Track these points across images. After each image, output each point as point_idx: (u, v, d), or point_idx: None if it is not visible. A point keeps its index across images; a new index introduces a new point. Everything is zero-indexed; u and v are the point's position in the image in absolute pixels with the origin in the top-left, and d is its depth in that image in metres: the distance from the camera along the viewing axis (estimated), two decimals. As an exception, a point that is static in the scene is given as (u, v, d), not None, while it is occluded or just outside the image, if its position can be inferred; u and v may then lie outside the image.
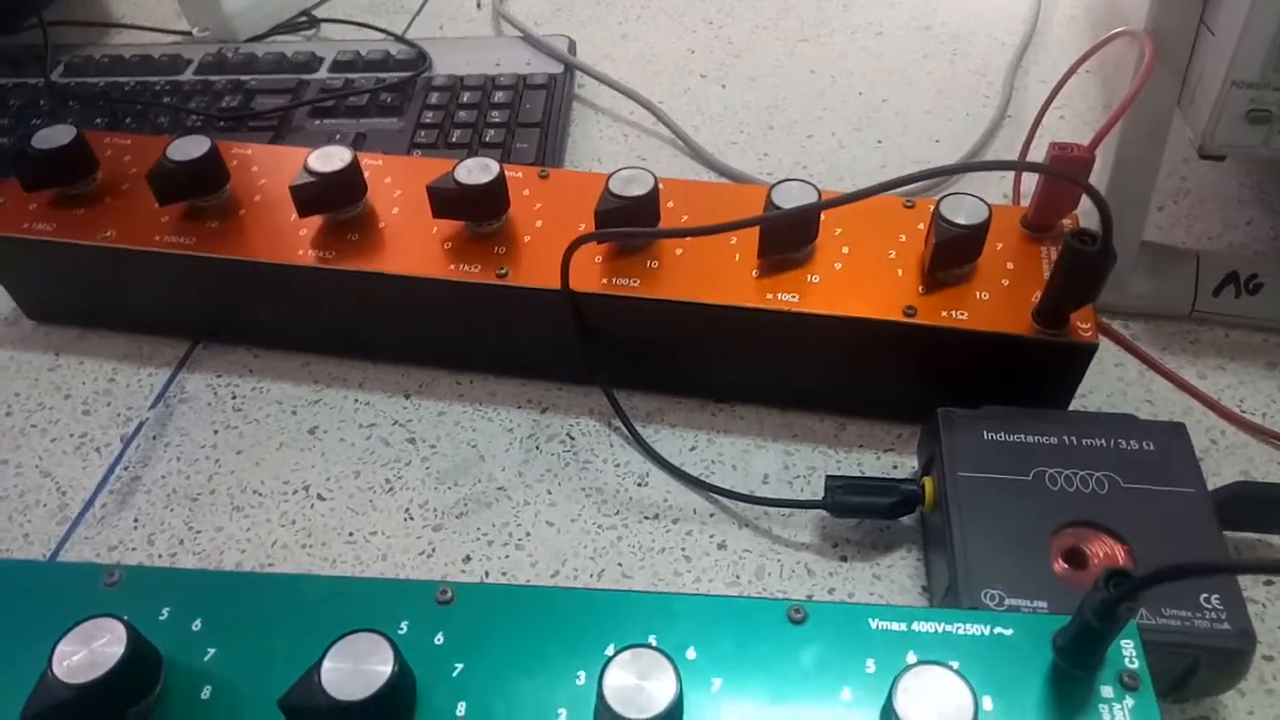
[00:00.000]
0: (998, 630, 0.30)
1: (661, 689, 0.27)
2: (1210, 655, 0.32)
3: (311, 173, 0.45)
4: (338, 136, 0.60)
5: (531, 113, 0.60)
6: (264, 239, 0.46)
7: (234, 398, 0.48)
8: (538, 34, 0.67)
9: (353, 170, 0.45)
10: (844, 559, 0.40)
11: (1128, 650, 0.29)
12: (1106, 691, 0.29)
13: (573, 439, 0.45)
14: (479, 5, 0.75)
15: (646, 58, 0.68)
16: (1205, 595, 0.33)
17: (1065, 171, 0.38)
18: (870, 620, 0.31)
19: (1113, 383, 0.46)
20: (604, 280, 0.43)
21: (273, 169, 0.50)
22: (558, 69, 0.64)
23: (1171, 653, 0.32)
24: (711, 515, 0.42)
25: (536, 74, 0.63)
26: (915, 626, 0.30)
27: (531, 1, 0.75)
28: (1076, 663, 0.28)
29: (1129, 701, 0.28)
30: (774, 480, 0.43)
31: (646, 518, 0.42)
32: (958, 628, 0.30)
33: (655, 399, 0.46)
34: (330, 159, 0.45)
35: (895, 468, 0.43)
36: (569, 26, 0.71)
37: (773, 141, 0.61)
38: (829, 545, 0.40)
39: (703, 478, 0.43)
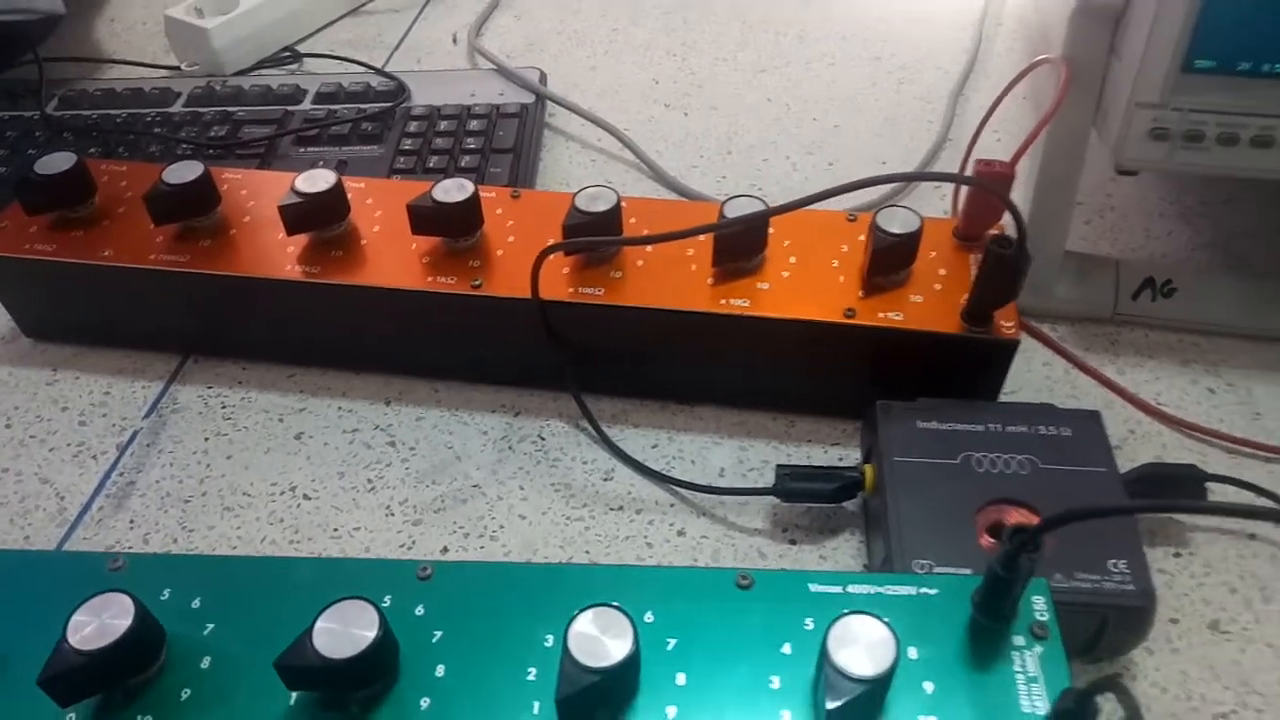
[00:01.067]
0: (923, 590, 0.33)
1: (619, 642, 0.30)
2: (1117, 613, 0.36)
3: (299, 193, 0.48)
4: (321, 163, 0.63)
5: (504, 139, 0.64)
6: (253, 256, 0.49)
7: (224, 407, 0.51)
8: (510, 66, 0.71)
9: (337, 191, 0.49)
10: (793, 542, 0.43)
11: (1038, 605, 0.33)
12: (1019, 641, 0.32)
13: (544, 439, 0.48)
14: (455, 40, 0.79)
15: (614, 88, 0.73)
16: (1113, 561, 0.36)
17: (982, 182, 0.42)
18: (810, 585, 0.34)
19: (1041, 380, 0.49)
20: (571, 290, 0.46)
21: (261, 192, 0.53)
22: (529, 99, 0.68)
23: (1083, 612, 0.36)
24: (672, 505, 0.45)
25: (509, 103, 0.67)
26: (850, 589, 0.34)
27: (505, 36, 0.79)
28: (991, 615, 0.32)
29: (1038, 649, 0.32)
30: (729, 473, 0.46)
31: (612, 509, 0.45)
32: (888, 589, 0.34)
33: (621, 402, 0.50)
34: (316, 181, 0.49)
35: (841, 459, 0.46)
36: (541, 60, 0.75)
37: (731, 165, 0.65)
38: (779, 530, 0.44)
39: (664, 472, 0.46)
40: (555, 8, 0.82)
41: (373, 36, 0.80)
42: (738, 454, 0.47)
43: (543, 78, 0.71)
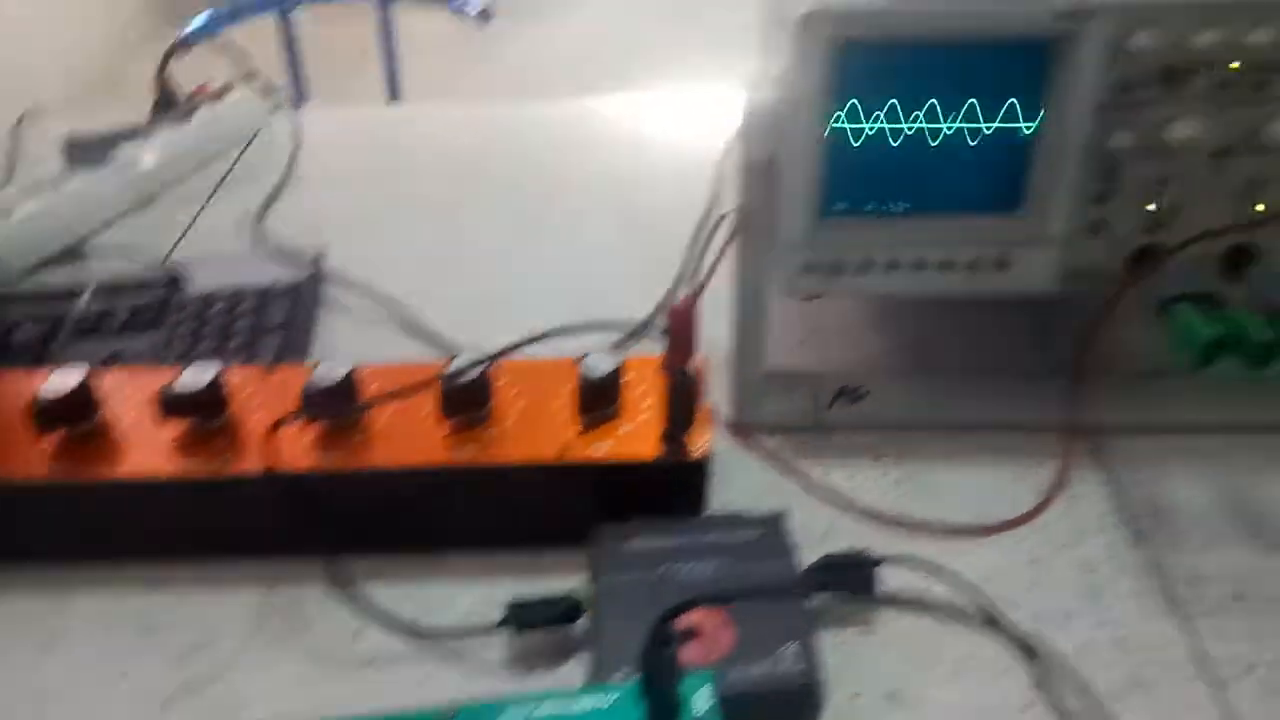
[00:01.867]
0: (605, 700, 0.37)
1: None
2: (784, 697, 0.40)
3: (44, 399, 0.50)
4: (101, 356, 0.65)
5: (275, 317, 0.68)
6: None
7: (-30, 614, 0.51)
8: (290, 246, 0.76)
9: (82, 390, 0.51)
10: (530, 670, 0.47)
11: (703, 696, 0.37)
12: (683, 734, 0.36)
13: (298, 606, 0.50)
14: (240, 225, 0.83)
15: (391, 260, 0.78)
16: (785, 646, 0.41)
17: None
18: (510, 708, 0.37)
19: (759, 486, 0.55)
20: (315, 457, 0.50)
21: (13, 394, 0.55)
22: (304, 276, 0.73)
23: (757, 698, 0.40)
24: (417, 653, 0.48)
25: (281, 283, 0.71)
26: (539, 710, 0.37)
27: (290, 218, 0.84)
28: (658, 715, 0.36)
29: (700, 739, 0.36)
30: (477, 614, 0.49)
31: (361, 666, 0.47)
32: (573, 704, 0.37)
33: (375, 559, 0.52)
34: (63, 381, 0.51)
35: (581, 585, 0.50)
36: (325, 237, 0.80)
37: (497, 323, 0.69)
38: (519, 661, 0.47)
39: (411, 623, 0.49)
40: (340, 188, 0.88)
41: (160, 226, 0.84)
42: (486, 594, 0.50)
43: (320, 255, 0.76)
